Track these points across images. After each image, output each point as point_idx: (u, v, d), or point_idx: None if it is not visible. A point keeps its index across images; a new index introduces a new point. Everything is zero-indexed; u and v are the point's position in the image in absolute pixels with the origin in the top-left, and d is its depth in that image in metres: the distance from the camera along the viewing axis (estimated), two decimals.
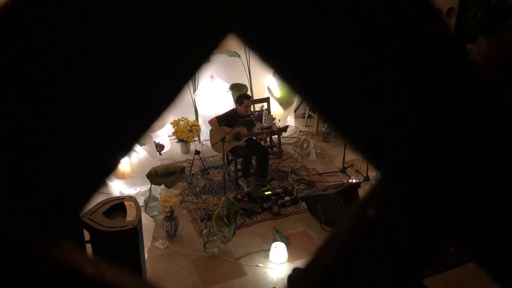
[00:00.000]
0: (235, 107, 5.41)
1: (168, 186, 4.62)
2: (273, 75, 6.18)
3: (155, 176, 4.52)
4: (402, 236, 0.44)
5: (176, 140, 5.95)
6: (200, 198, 5.11)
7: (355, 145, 0.39)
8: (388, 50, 0.35)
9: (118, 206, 3.39)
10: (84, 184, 0.37)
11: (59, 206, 0.37)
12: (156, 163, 4.88)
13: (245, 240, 4.44)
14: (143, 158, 4.84)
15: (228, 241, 4.13)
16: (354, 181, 5.16)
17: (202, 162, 5.63)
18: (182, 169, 4.82)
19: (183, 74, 0.34)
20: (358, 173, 5.58)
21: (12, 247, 0.36)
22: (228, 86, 6.13)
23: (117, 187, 4.72)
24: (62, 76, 0.33)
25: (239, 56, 5.94)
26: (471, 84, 0.37)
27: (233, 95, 6.03)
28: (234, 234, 4.19)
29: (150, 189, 4.71)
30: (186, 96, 5.90)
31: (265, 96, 6.38)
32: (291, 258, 4.17)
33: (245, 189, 5.24)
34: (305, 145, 6.06)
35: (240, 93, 5.76)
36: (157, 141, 5.74)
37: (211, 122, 5.31)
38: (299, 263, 4.12)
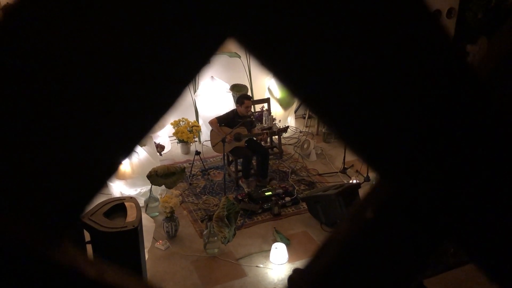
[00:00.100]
0: (235, 107, 5.41)
1: (169, 186, 4.61)
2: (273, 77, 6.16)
3: (156, 176, 4.52)
4: (401, 237, 0.44)
5: (176, 140, 5.94)
6: (201, 199, 5.11)
7: (353, 148, 0.39)
8: (385, 53, 0.35)
9: (119, 206, 3.39)
10: (85, 185, 0.37)
11: (61, 208, 0.37)
12: (157, 164, 4.88)
13: (246, 240, 4.44)
14: (144, 159, 4.84)
15: (228, 241, 4.13)
16: (354, 181, 5.15)
17: (202, 162, 5.63)
18: (183, 170, 4.82)
19: (184, 76, 0.35)
20: (358, 173, 5.57)
21: (13, 248, 0.36)
22: (228, 86, 6.13)
23: (117, 188, 4.72)
24: (63, 77, 0.33)
25: (239, 56, 5.94)
26: (469, 85, 0.37)
27: (233, 96, 6.03)
28: (234, 234, 4.18)
29: (150, 190, 4.71)
30: (186, 97, 5.89)
31: (266, 96, 6.37)
32: (291, 258, 4.16)
33: (246, 190, 5.23)
34: (305, 146, 6.06)
35: (241, 93, 5.75)
36: (157, 141, 5.74)
37: (211, 122, 5.31)
38: (300, 263, 4.11)
